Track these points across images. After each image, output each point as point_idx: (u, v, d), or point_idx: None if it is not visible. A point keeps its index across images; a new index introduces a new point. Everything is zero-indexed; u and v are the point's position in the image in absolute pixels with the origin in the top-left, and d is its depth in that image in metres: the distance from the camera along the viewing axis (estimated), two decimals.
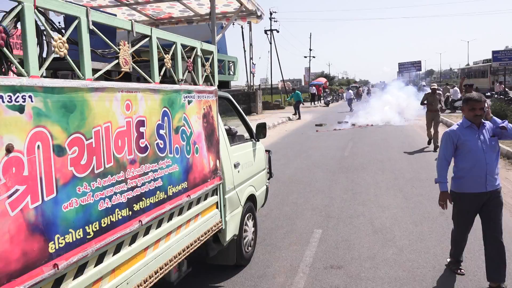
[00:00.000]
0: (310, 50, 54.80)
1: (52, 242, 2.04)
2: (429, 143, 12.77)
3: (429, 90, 13.34)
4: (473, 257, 4.97)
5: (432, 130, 12.45)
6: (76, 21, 2.22)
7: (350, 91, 33.88)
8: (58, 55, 2.09)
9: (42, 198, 1.98)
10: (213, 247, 4.34)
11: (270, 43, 35.45)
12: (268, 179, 6.16)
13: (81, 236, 2.24)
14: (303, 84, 71.48)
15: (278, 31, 35.81)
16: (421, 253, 5.16)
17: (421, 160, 10.91)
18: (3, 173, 1.78)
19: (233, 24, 5.02)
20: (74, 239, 2.18)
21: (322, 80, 47.45)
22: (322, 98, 39.80)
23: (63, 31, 2.26)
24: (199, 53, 3.66)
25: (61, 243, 2.10)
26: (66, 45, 2.13)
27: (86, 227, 2.28)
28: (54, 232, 2.06)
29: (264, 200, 5.93)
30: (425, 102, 12.70)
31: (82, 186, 2.25)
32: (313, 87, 39.24)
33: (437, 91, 12.72)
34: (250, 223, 5.16)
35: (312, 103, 38.62)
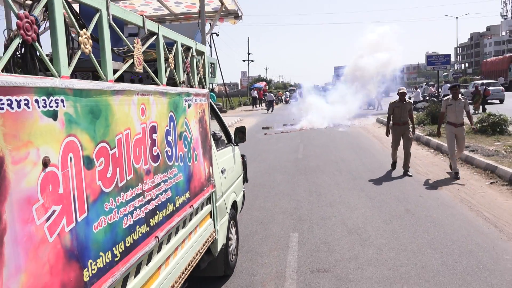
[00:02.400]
0: (249, 54, 55.08)
1: (86, 269, 1.76)
2: (393, 166, 9.75)
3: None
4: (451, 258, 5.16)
5: (400, 151, 9.59)
6: (98, 14, 1.94)
7: (271, 93, 35.21)
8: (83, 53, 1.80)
9: (76, 219, 1.70)
10: (204, 259, 4.11)
11: (210, 47, 35.08)
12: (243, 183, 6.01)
13: (110, 259, 1.96)
14: (239, 87, 71.67)
15: (218, 35, 35.56)
16: (400, 250, 5.27)
17: (373, 160, 11.29)
18: (41, 192, 1.49)
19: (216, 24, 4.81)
20: (104, 264, 1.91)
21: (262, 83, 47.95)
22: (263, 102, 40.18)
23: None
24: (195, 53, 3.44)
25: (94, 269, 1.82)
26: (91, 41, 1.85)
27: (114, 249, 2.00)
28: (87, 257, 1.78)
29: (242, 206, 5.77)
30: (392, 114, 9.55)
31: (109, 202, 1.98)
32: (255, 91, 39.47)
33: (408, 100, 9.59)
34: (233, 230, 4.98)
35: (254, 106, 38.78)
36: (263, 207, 7.43)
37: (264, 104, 39.13)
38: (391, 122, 9.69)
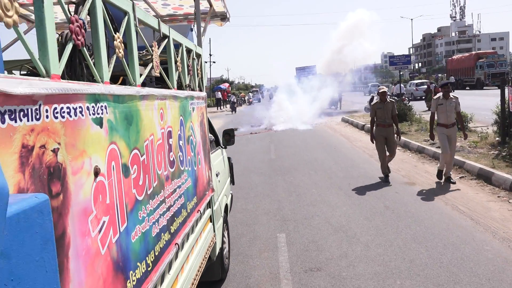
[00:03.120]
0: (210, 55, 54.77)
1: (129, 280, 1.71)
2: (386, 179, 8.62)
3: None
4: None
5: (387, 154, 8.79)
6: (126, 18, 1.89)
7: (233, 95, 35.64)
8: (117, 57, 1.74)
9: (119, 230, 1.64)
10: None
11: None
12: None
13: (145, 269, 1.91)
14: None
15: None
16: (386, 246, 5.42)
17: (345, 159, 11.54)
18: (94, 202, 1.43)
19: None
20: (141, 274, 1.85)
21: (226, 84, 47.88)
22: (227, 103, 40.16)
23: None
24: (195, 56, 3.40)
25: (134, 280, 1.76)
26: (122, 45, 1.79)
27: (147, 258, 1.95)
28: (129, 268, 1.72)
29: (230, 208, 5.75)
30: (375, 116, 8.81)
31: (141, 210, 1.92)
32: (219, 92, 39.33)
33: (389, 98, 8.94)
34: (226, 233, 4.95)
35: (218, 108, 38.62)
36: (245, 209, 7.42)
37: (228, 106, 39.13)
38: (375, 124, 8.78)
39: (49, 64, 1.23)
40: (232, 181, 6.01)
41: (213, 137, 5.01)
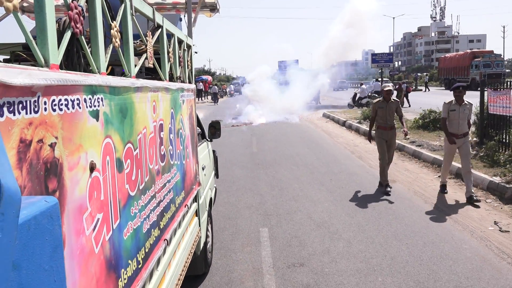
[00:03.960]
0: (193, 45, 53.82)
1: (120, 279, 1.65)
2: (386, 190, 7.56)
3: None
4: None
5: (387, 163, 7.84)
6: (123, 5, 1.81)
7: (215, 86, 35.82)
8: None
9: (112, 227, 1.58)
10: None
11: None
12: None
13: (136, 266, 1.85)
14: None
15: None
16: (368, 243, 5.48)
17: (326, 154, 11.61)
18: (89, 199, 1.37)
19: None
20: (132, 272, 1.80)
21: (208, 76, 47.49)
22: (208, 94, 39.93)
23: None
24: (185, 47, 3.32)
25: (125, 279, 1.71)
26: (119, 34, 1.72)
27: (137, 255, 1.89)
28: (121, 266, 1.66)
29: (214, 202, 5.70)
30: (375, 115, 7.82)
31: (133, 206, 1.86)
32: (200, 83, 38.98)
33: (393, 98, 7.80)
34: (209, 227, 4.91)
35: (200, 99, 38.30)
36: (227, 202, 7.39)
37: (210, 97, 38.93)
38: (374, 125, 7.94)
39: (48, 53, 1.15)
40: (217, 175, 5.96)
41: (199, 130, 4.94)
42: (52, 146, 1.15)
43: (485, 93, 9.93)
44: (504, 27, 76.68)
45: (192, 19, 4.12)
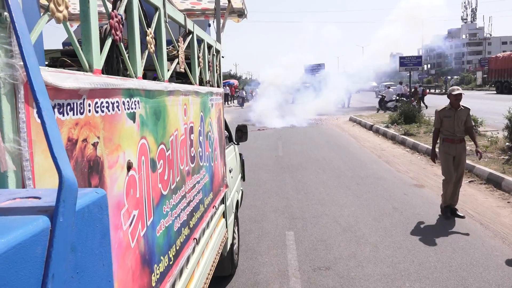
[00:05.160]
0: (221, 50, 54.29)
1: (153, 273, 1.73)
2: (445, 213, 6.50)
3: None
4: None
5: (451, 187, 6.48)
6: (157, 13, 1.90)
7: (242, 90, 36.25)
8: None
9: (146, 223, 1.66)
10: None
11: None
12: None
13: (167, 263, 1.93)
14: None
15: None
16: (395, 248, 5.42)
17: (353, 158, 11.52)
18: (126, 196, 1.45)
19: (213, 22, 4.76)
20: (164, 268, 1.87)
21: (234, 81, 47.89)
22: (234, 98, 40.31)
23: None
24: (215, 52, 3.41)
25: (157, 274, 1.79)
26: (154, 40, 1.80)
27: (169, 252, 1.97)
28: (154, 262, 1.74)
29: (240, 204, 5.77)
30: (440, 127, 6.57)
31: (165, 205, 1.94)
32: (227, 87, 39.36)
33: (462, 105, 6.46)
34: (236, 229, 4.98)
35: (226, 103, 38.70)
36: (253, 205, 7.44)
37: (236, 101, 39.32)
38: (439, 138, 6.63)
39: (92, 59, 1.24)
40: (243, 177, 6.03)
41: (227, 133, 5.02)
42: (94, 145, 1.23)
43: None
44: None
45: (221, 25, 4.22)
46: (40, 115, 0.63)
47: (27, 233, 0.54)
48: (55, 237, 0.57)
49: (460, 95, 6.42)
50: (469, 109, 6.53)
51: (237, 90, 40.84)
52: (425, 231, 5.91)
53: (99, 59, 1.29)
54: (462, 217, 6.31)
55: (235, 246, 4.82)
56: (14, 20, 0.68)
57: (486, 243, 5.44)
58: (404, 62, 18.14)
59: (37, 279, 0.54)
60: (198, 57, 2.81)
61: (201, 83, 3.06)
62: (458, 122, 6.39)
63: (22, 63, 0.82)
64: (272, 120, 21.80)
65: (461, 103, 6.45)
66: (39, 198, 0.68)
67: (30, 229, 0.55)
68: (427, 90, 24.56)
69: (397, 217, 6.56)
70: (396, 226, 6.19)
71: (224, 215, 3.86)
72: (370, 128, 17.73)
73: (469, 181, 8.43)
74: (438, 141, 6.71)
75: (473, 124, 6.68)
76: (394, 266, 4.90)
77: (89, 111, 1.20)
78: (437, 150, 6.77)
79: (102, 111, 1.28)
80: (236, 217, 4.92)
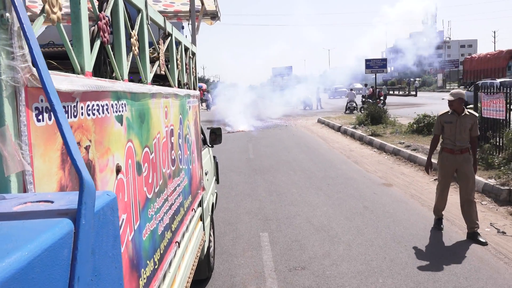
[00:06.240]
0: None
1: (141, 278, 1.71)
2: (438, 224, 5.95)
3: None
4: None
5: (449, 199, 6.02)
6: (140, 15, 1.88)
7: (208, 94, 36.08)
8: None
9: (134, 227, 1.65)
10: None
11: None
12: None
13: (153, 267, 1.91)
14: None
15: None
16: (368, 246, 5.55)
17: (323, 159, 11.71)
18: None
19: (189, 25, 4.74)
20: (150, 272, 1.86)
21: (203, 84, 47.60)
22: (203, 102, 40.10)
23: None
24: (191, 54, 3.40)
25: (144, 279, 1.77)
26: (138, 42, 1.79)
27: (154, 256, 1.95)
28: (141, 266, 1.72)
29: (214, 207, 5.75)
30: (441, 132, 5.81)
31: (150, 208, 1.93)
32: None
33: (468, 111, 5.65)
34: (212, 232, 4.96)
35: None
36: (226, 208, 7.44)
37: (204, 104, 39.15)
38: (438, 147, 5.99)
39: (83, 61, 1.22)
40: (217, 180, 6.03)
41: (202, 136, 5.01)
42: (87, 148, 1.21)
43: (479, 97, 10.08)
44: (494, 32, 77.69)
45: (197, 27, 4.21)
46: (56, 118, 0.62)
47: (55, 236, 0.53)
48: (79, 239, 0.57)
49: (461, 99, 5.51)
50: (476, 116, 5.64)
51: (205, 93, 40.69)
52: (396, 229, 6.08)
53: (90, 61, 1.27)
54: (484, 243, 5.29)
55: (211, 249, 4.80)
56: (22, 21, 0.67)
57: (453, 238, 5.65)
58: (370, 64, 18.61)
59: (64, 282, 0.54)
60: (177, 60, 2.80)
61: (179, 85, 3.05)
62: (461, 130, 5.50)
63: (23, 65, 0.81)
64: (241, 122, 21.84)
65: (466, 108, 5.64)
66: (51, 202, 0.67)
67: (57, 231, 0.54)
68: (382, 92, 25.49)
69: (368, 216, 6.72)
70: (367, 224, 6.34)
71: (201, 218, 3.85)
72: (338, 129, 18.06)
73: (434, 179, 8.73)
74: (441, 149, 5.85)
75: (478, 133, 5.69)
76: (367, 263, 5.02)
77: (82, 114, 1.18)
78: (434, 160, 6.22)
79: (94, 114, 1.26)
80: (212, 220, 4.91)
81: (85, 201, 0.60)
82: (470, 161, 5.59)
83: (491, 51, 37.60)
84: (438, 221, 6.01)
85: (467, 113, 5.61)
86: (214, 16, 4.92)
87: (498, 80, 18.71)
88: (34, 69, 0.84)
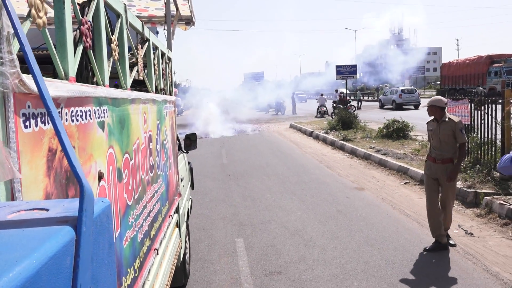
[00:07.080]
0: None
1: (122, 286, 1.68)
2: (443, 245, 5.41)
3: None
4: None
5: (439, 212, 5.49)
6: (119, 20, 1.87)
7: (179, 98, 35.56)
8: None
9: (115, 235, 1.62)
10: None
11: None
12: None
13: (133, 275, 1.89)
14: None
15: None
16: (342, 249, 5.64)
17: (296, 164, 11.81)
18: None
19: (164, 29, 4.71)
20: (130, 281, 1.83)
21: (175, 89, 47.23)
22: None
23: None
24: (167, 59, 3.39)
25: (125, 287, 1.74)
26: (118, 47, 1.78)
27: (134, 264, 1.93)
28: (122, 274, 1.70)
29: (189, 213, 5.71)
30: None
31: (130, 215, 1.90)
32: None
33: (450, 117, 5.40)
34: (187, 238, 4.92)
35: None
36: (201, 214, 7.39)
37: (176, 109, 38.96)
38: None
39: (67, 66, 1.20)
40: (192, 186, 5.99)
41: (178, 142, 4.97)
42: None
43: None
44: (458, 40, 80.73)
45: (172, 32, 4.19)
46: (54, 125, 0.61)
47: (58, 244, 0.53)
48: (81, 247, 0.56)
49: (440, 108, 5.35)
50: (456, 122, 5.32)
51: (177, 98, 40.49)
52: (368, 232, 6.20)
53: (73, 67, 1.25)
54: (453, 245, 5.41)
55: (187, 256, 4.76)
56: (15, 26, 0.66)
57: (424, 240, 5.80)
58: (341, 70, 18.97)
59: None
60: (154, 65, 2.78)
61: (156, 91, 3.03)
62: (442, 137, 5.30)
63: (12, 70, 0.79)
64: (213, 128, 21.76)
65: (448, 114, 5.47)
66: (47, 209, 0.66)
67: (59, 239, 0.54)
68: (347, 97, 26.24)
69: (342, 220, 6.82)
70: (341, 228, 6.43)
71: (178, 224, 3.81)
72: (310, 134, 18.26)
73: (404, 183, 8.96)
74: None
75: (466, 140, 5.43)
76: (342, 266, 5.09)
77: (66, 120, 1.16)
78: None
79: (77, 120, 1.24)
80: (187, 226, 4.87)
81: (86, 208, 0.59)
82: (445, 171, 5.35)
83: (466, 57, 36.07)
84: (433, 244, 5.40)
85: (446, 119, 5.34)
86: (189, 21, 4.91)
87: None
88: (22, 75, 0.82)
